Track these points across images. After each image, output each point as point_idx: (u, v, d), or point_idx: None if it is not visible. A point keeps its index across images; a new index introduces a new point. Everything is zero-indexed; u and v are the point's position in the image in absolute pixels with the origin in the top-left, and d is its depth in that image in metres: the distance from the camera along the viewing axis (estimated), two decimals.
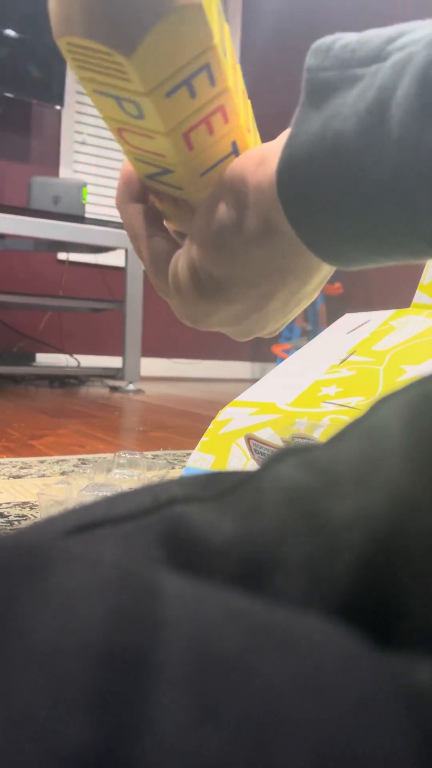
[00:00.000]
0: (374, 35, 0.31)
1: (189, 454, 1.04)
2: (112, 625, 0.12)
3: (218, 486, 0.22)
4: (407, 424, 0.22)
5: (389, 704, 0.12)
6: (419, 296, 0.70)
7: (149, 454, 1.04)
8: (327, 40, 0.33)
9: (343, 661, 0.13)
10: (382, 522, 0.20)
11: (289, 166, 0.32)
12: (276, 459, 0.23)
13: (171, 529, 0.20)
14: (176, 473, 0.89)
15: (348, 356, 0.66)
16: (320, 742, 0.11)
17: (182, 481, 0.22)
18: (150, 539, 0.19)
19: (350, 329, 0.72)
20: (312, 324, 3.22)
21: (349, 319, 0.75)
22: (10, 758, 0.10)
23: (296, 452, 0.23)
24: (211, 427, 0.67)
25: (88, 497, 0.64)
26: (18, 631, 0.11)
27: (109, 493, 0.67)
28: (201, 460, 0.66)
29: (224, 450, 0.64)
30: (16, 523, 0.64)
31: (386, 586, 0.19)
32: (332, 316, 3.02)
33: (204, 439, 0.67)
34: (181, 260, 0.39)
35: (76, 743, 0.10)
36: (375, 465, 0.21)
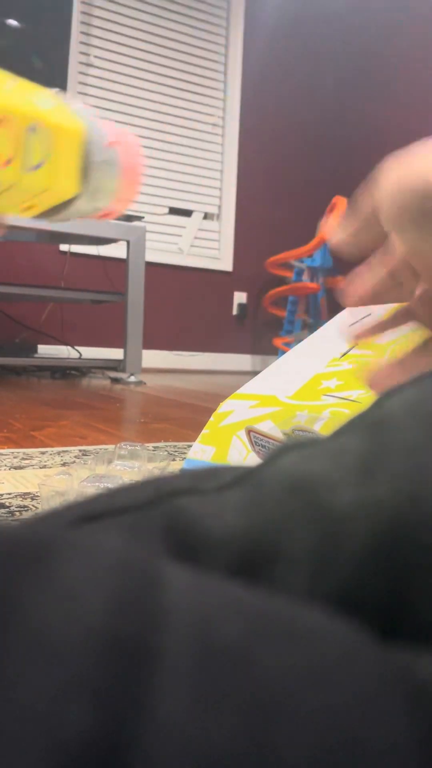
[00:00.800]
0: None
1: (190, 446, 1.05)
2: (114, 613, 0.12)
3: (220, 479, 0.22)
4: (412, 419, 0.22)
5: (392, 697, 0.12)
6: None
7: (150, 445, 1.05)
8: None
9: (347, 653, 0.13)
10: (386, 515, 0.20)
11: None
12: (278, 453, 0.23)
13: (172, 521, 0.20)
14: (177, 465, 0.90)
15: (349, 350, 0.66)
16: (324, 731, 0.11)
17: (184, 475, 0.23)
18: (151, 531, 0.19)
19: (351, 323, 0.72)
20: (313, 317, 3.22)
21: (350, 313, 0.75)
22: (13, 743, 0.10)
23: (298, 446, 0.23)
24: (211, 419, 0.67)
25: (89, 488, 0.65)
26: (21, 618, 0.12)
27: (110, 485, 0.67)
28: (201, 452, 0.66)
29: (225, 442, 0.64)
30: (17, 513, 0.64)
31: (389, 578, 0.19)
32: (333, 310, 3.01)
33: (205, 431, 0.67)
34: None
35: (77, 728, 0.10)
36: (379, 459, 0.21)
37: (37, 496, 0.70)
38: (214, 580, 0.14)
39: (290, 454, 0.23)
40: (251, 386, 0.69)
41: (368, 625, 0.14)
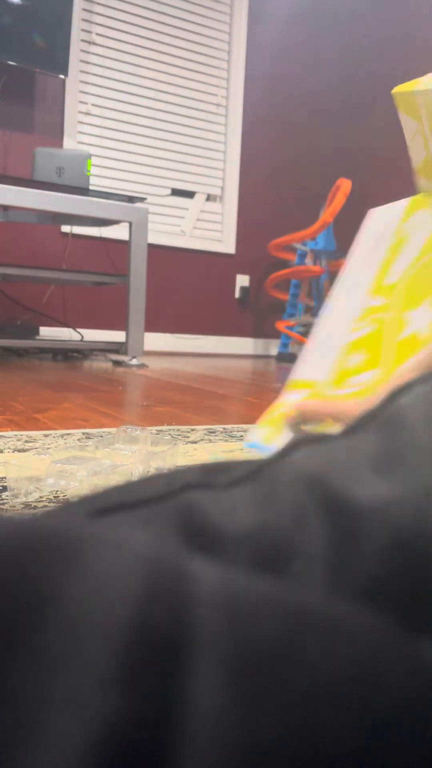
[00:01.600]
0: None
1: (193, 430, 1.05)
2: (145, 603, 0.12)
3: (233, 474, 0.22)
4: (425, 415, 0.22)
5: (426, 690, 0.12)
6: (420, 182, 0.71)
7: (153, 429, 1.05)
8: None
9: (380, 647, 0.13)
10: (404, 510, 0.20)
11: None
12: (291, 448, 0.23)
13: (186, 516, 0.20)
14: (179, 449, 0.90)
15: (369, 301, 0.67)
16: (368, 726, 0.11)
17: (196, 468, 0.22)
18: (166, 524, 0.19)
19: (373, 242, 0.73)
20: (316, 300, 3.20)
21: (374, 219, 0.75)
22: (54, 729, 0.10)
23: (311, 441, 0.23)
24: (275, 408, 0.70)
25: (60, 470, 0.65)
26: (57, 609, 0.12)
27: (82, 467, 0.68)
28: (258, 433, 0.70)
29: (278, 425, 0.67)
30: (21, 495, 0.64)
31: (410, 574, 0.19)
32: None
33: (266, 417, 0.71)
34: None
35: (118, 714, 0.10)
36: (394, 455, 0.21)
37: (42, 479, 0.71)
38: (240, 574, 0.14)
39: (302, 449, 0.23)
40: (299, 371, 0.72)
41: (391, 618, 0.14)
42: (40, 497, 0.65)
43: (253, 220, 3.53)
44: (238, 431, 1.06)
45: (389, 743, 0.11)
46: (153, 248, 2.87)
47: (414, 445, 0.21)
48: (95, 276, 2.60)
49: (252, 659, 0.12)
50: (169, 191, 3.36)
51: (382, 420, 0.23)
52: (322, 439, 0.23)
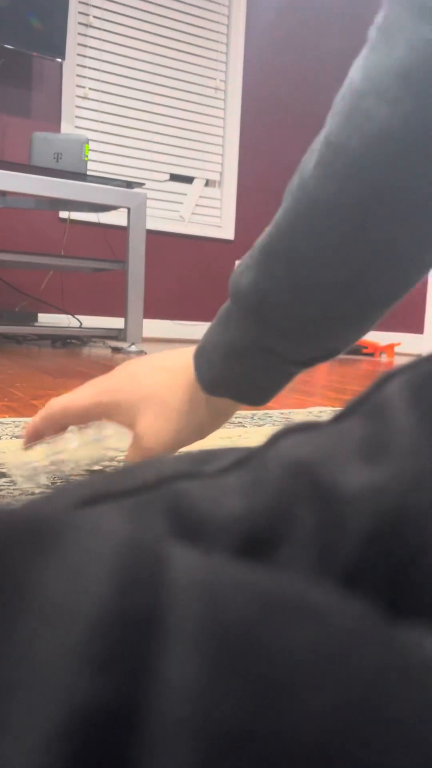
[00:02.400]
0: None
1: None
2: (121, 586, 0.12)
3: (220, 462, 0.22)
4: (412, 402, 0.22)
5: (400, 674, 0.12)
6: None
7: None
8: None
9: (355, 629, 0.13)
10: (389, 496, 0.20)
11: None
12: (279, 435, 0.23)
13: (173, 504, 0.20)
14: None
15: None
16: (336, 708, 0.11)
17: (183, 458, 0.23)
18: (153, 513, 0.19)
19: None
20: None
21: None
22: (25, 711, 0.10)
23: (299, 429, 0.23)
24: None
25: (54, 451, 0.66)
26: (30, 593, 0.12)
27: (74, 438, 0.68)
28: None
29: None
30: (18, 483, 0.64)
31: (395, 559, 0.19)
32: None
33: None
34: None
35: (88, 695, 0.10)
36: (382, 442, 0.21)
37: (39, 466, 0.70)
38: (219, 559, 0.15)
39: (290, 437, 0.23)
40: None
41: (375, 603, 0.14)
42: (37, 484, 0.65)
43: (253, 206, 3.51)
44: (236, 418, 1.06)
45: (359, 726, 0.11)
46: (151, 234, 2.86)
47: (400, 432, 0.21)
48: (94, 262, 2.59)
49: (223, 642, 0.12)
50: (167, 176, 3.34)
51: (369, 407, 0.23)
52: (310, 426, 0.24)
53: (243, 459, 0.22)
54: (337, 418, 0.24)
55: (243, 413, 1.10)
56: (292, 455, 0.22)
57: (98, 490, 0.20)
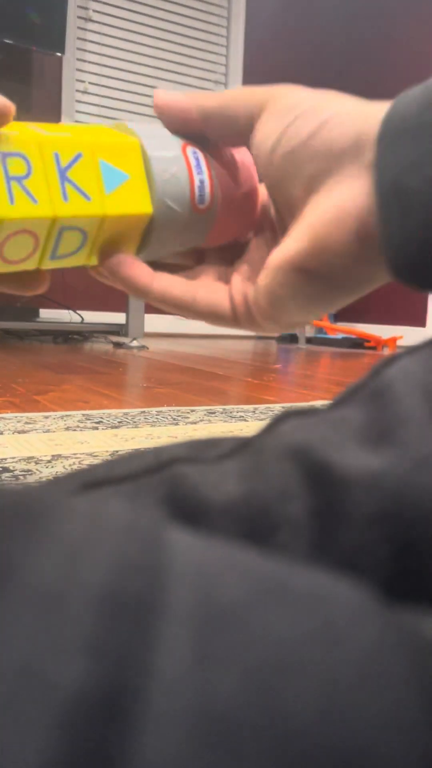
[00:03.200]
0: None
1: (193, 411, 1.05)
2: (114, 571, 0.12)
3: (219, 448, 0.22)
4: (412, 387, 0.22)
5: (396, 657, 0.12)
6: None
7: (153, 410, 1.05)
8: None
9: (352, 613, 0.13)
10: (389, 481, 0.20)
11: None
12: (277, 421, 0.23)
13: (172, 488, 0.20)
14: (179, 430, 0.90)
15: None
16: (329, 691, 0.11)
17: (183, 444, 0.23)
18: (152, 498, 0.19)
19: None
20: None
21: None
22: (9, 701, 0.10)
23: (298, 414, 0.23)
24: None
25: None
26: (18, 576, 0.12)
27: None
28: None
29: None
30: (21, 477, 0.65)
31: (395, 543, 0.19)
32: None
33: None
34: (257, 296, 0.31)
35: (76, 682, 0.10)
36: (381, 427, 0.21)
37: (41, 459, 0.71)
38: (216, 542, 0.14)
39: (289, 422, 0.23)
40: None
41: (373, 587, 0.14)
42: (40, 479, 0.65)
43: None
44: (238, 412, 1.06)
45: (354, 709, 0.11)
46: None
47: (400, 417, 0.21)
48: None
49: (215, 624, 0.12)
50: None
51: (369, 392, 0.23)
52: (309, 412, 0.23)
53: (242, 444, 0.22)
54: (336, 404, 0.24)
55: (245, 407, 1.10)
56: (291, 440, 0.22)
57: (99, 476, 0.20)
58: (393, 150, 0.24)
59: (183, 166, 0.31)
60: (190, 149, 0.32)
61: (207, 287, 0.33)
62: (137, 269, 0.32)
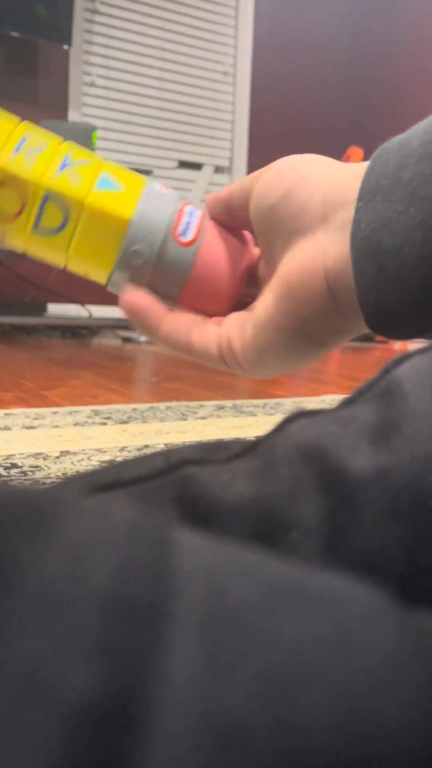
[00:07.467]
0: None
1: (202, 406, 1.04)
2: (122, 574, 0.12)
3: (229, 450, 0.22)
4: (422, 386, 0.22)
5: (412, 660, 0.12)
6: None
7: (162, 405, 1.04)
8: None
9: (365, 617, 0.12)
10: (400, 479, 0.20)
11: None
12: (287, 421, 0.23)
13: (183, 489, 0.20)
14: (188, 425, 0.89)
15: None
16: (343, 697, 0.11)
17: (193, 446, 0.23)
18: (162, 499, 0.19)
19: None
20: None
21: None
22: (15, 707, 0.09)
23: (307, 414, 0.23)
24: None
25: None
26: (24, 577, 0.11)
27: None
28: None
29: None
30: (29, 473, 0.64)
31: (408, 543, 0.19)
32: None
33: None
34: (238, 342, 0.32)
35: (82, 686, 0.10)
36: (392, 426, 0.21)
37: (50, 455, 0.70)
38: (226, 544, 0.14)
39: (299, 422, 0.23)
40: None
41: (387, 589, 0.14)
42: (48, 475, 0.64)
43: None
44: (247, 407, 1.05)
45: (368, 714, 0.10)
46: None
47: (409, 415, 0.21)
48: None
49: (225, 628, 0.11)
50: (176, 164, 3.32)
51: (378, 391, 0.23)
52: (318, 412, 0.24)
53: (252, 445, 0.22)
54: (346, 403, 0.24)
55: (254, 402, 1.10)
56: (301, 440, 0.22)
57: (108, 478, 0.20)
58: (369, 208, 0.25)
59: (174, 203, 0.34)
60: (190, 206, 0.35)
61: (200, 328, 0.34)
62: (152, 304, 0.34)
